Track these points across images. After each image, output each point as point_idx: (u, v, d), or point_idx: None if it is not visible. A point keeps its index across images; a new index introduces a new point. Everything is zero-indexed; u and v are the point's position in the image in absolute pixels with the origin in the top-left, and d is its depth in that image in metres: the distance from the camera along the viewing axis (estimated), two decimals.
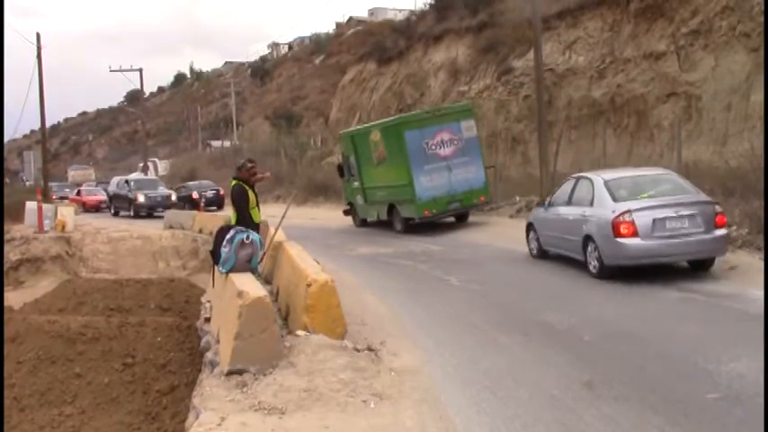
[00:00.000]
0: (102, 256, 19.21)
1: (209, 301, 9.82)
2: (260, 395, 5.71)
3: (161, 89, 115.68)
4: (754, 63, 17.23)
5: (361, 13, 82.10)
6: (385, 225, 19.54)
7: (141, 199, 29.71)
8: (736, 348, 6.30)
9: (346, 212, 22.18)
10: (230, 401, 5.66)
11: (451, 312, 8.99)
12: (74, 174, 64.16)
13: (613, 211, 10.00)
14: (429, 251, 14.86)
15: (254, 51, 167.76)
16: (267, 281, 10.19)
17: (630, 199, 10.19)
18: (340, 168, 22.34)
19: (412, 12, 49.09)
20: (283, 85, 78.15)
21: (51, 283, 16.85)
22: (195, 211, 23.72)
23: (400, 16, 58.03)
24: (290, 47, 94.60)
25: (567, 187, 12.05)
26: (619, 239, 9.79)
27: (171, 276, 16.82)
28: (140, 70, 44.57)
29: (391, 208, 19.22)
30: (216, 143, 69.18)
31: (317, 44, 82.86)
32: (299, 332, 7.14)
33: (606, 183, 10.71)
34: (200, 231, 18.98)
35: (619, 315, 8.04)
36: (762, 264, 9.64)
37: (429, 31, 35.46)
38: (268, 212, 12.36)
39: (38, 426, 8.48)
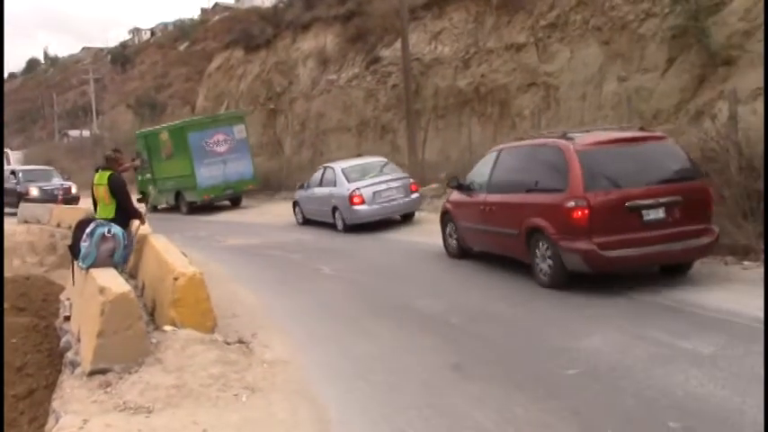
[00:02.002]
0: None
1: (68, 299, 9.34)
2: (125, 394, 5.48)
3: (12, 75, 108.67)
4: (606, 55, 18.22)
5: None
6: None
7: (35, 193, 25.47)
8: (588, 325, 6.65)
9: (140, 200, 24.94)
10: (93, 402, 5.40)
11: (324, 302, 8.99)
12: None
13: (348, 189, 14.94)
14: (301, 241, 14.80)
15: (113, 37, 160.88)
16: (132, 275, 9.81)
17: (359, 180, 15.18)
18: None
19: None
20: (146, 73, 75.27)
21: None
22: (52, 204, 22.46)
23: (267, 3, 57.18)
24: (153, 33, 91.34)
25: (318, 174, 16.89)
26: (353, 207, 14.86)
27: (27, 274, 15.85)
28: None
29: (178, 195, 24.04)
30: (74, 133, 65.90)
31: (182, 30, 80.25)
32: (167, 327, 6.92)
33: (343, 170, 15.76)
34: (59, 225, 18.00)
35: (484, 297, 8.29)
36: None
37: (297, 20, 35.13)
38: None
39: None
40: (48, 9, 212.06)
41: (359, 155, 18.97)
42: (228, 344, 6.74)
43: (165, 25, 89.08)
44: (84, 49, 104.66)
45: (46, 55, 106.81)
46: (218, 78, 41.85)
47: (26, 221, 20.45)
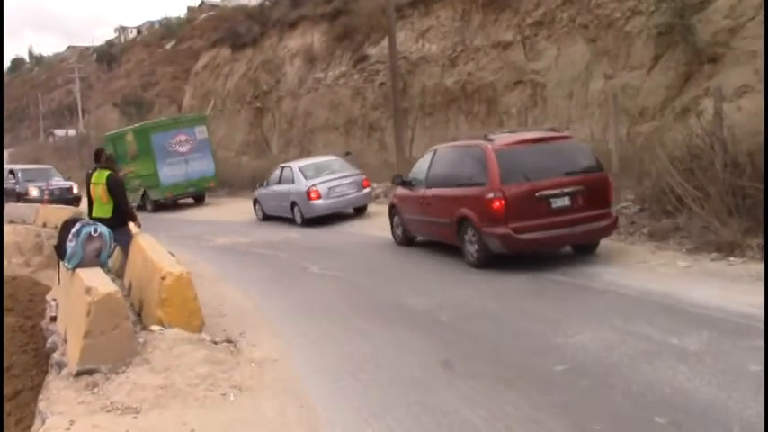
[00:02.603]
0: None
1: (54, 300, 9.25)
2: (112, 395, 5.44)
3: None
4: (593, 53, 18.29)
5: None
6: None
7: (35, 193, 24.30)
8: (580, 323, 6.67)
9: None
10: (80, 403, 5.36)
11: (312, 300, 8.97)
12: None
13: (306, 186, 16.45)
14: (289, 239, 14.77)
15: (99, 35, 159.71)
16: (119, 275, 9.76)
17: (315, 177, 16.69)
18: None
19: None
20: (132, 71, 74.92)
21: None
22: (38, 204, 22.28)
23: (254, 1, 57.00)
24: (139, 31, 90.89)
25: (277, 173, 18.38)
26: (311, 202, 16.34)
27: (13, 274, 15.73)
28: None
29: (144, 193, 24.71)
30: (60, 132, 65.47)
31: (168, 29, 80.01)
32: (154, 327, 6.88)
33: (300, 168, 17.38)
34: (45, 225, 17.91)
35: (474, 296, 8.31)
36: None
37: (284, 18, 35.10)
38: None
39: None
40: (33, 7, 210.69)
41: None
42: (216, 343, 6.71)
43: (152, 24, 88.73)
44: (69, 47, 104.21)
45: (31, 54, 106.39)
46: (204, 77, 41.74)
47: (12, 222, 20.29)
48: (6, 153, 56.78)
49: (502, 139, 9.85)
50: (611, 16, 17.76)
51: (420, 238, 11.96)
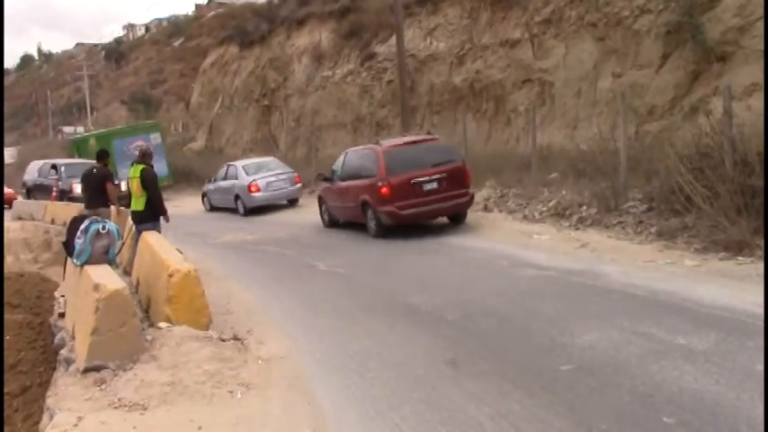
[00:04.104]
0: None
1: (63, 296, 9.29)
2: (120, 392, 5.46)
3: (6, 71, 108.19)
4: (601, 51, 18.22)
5: None
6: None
7: (79, 190, 22.48)
8: (586, 322, 6.65)
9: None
10: (88, 400, 5.38)
11: (319, 298, 8.98)
12: None
13: (248, 180, 20.00)
14: (296, 236, 14.79)
15: (108, 33, 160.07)
16: (126, 272, 9.80)
17: (256, 174, 20.21)
18: None
19: None
20: (141, 69, 75.16)
21: None
22: (47, 201, 22.25)
23: None
24: (147, 29, 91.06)
25: (223, 170, 21.81)
26: (252, 194, 19.85)
27: (21, 271, 15.78)
28: None
29: None
30: (68, 129, 65.57)
31: (176, 26, 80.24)
32: (162, 324, 6.90)
33: (243, 166, 20.92)
34: (53, 222, 17.97)
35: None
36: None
37: (291, 15, 35.05)
38: None
39: None
40: (41, 5, 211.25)
41: None
42: (223, 340, 6.72)
43: (160, 21, 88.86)
44: (78, 45, 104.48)
45: (40, 51, 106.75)
46: (212, 74, 41.78)
47: (20, 218, 20.37)
48: (13, 150, 56.91)
49: (388, 142, 13.85)
50: (620, 14, 17.68)
51: (341, 221, 15.05)
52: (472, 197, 13.23)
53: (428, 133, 15.60)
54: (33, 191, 25.10)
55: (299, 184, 20.82)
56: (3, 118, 24.50)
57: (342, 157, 15.21)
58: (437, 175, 12.69)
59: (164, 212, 10.34)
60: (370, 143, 14.80)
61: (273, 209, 20.12)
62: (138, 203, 10.02)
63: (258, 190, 19.82)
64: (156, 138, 27.89)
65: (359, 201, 13.46)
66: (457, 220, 13.45)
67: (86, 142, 29.30)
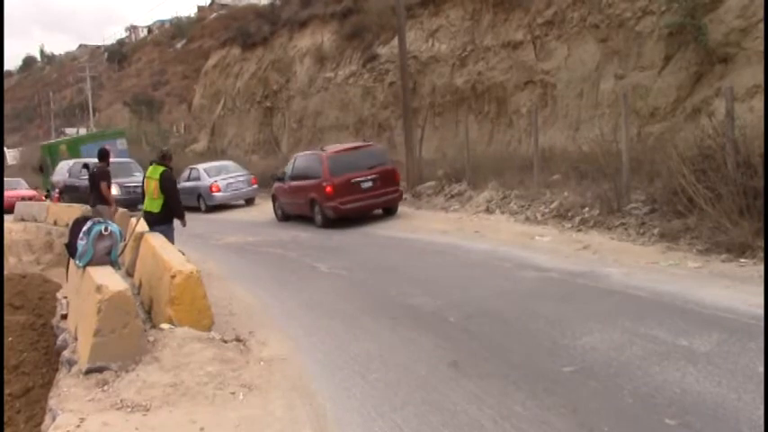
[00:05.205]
0: None
1: (65, 297, 9.30)
2: (122, 393, 5.47)
3: (8, 73, 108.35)
4: (603, 53, 18.21)
5: None
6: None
7: (115, 191, 19.80)
8: (588, 323, 6.64)
9: (46, 197, 27.54)
10: (90, 401, 5.39)
11: (321, 299, 8.98)
12: None
13: (209, 181, 22.78)
14: (298, 238, 14.79)
15: (110, 34, 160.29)
16: (129, 273, 9.80)
17: (216, 175, 23.04)
18: (41, 167, 32.88)
19: None
20: (143, 70, 75.26)
21: None
22: (49, 202, 22.37)
23: (264, 1, 57.03)
24: (150, 30, 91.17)
25: (186, 173, 23.98)
26: (213, 194, 22.63)
27: (23, 272, 15.79)
28: None
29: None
30: (71, 130, 65.63)
31: (179, 28, 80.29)
32: (164, 325, 6.91)
33: (205, 169, 23.59)
34: (55, 223, 17.97)
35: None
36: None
37: (294, 17, 35.07)
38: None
39: None
40: (44, 6, 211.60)
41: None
42: (225, 342, 6.73)
43: (162, 23, 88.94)
44: (80, 46, 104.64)
45: (42, 53, 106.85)
46: (214, 76, 41.82)
47: (22, 219, 20.37)
48: (15, 151, 56.94)
49: (332, 148, 16.37)
50: (622, 16, 17.67)
51: (293, 215, 17.31)
52: (401, 193, 16.25)
53: (364, 140, 20.06)
54: (66, 191, 23.66)
55: (255, 186, 23.40)
56: (2, 118, 24.46)
57: (291, 161, 17.95)
58: (372, 176, 15.23)
59: (181, 216, 9.99)
60: (316, 149, 17.38)
61: (232, 207, 23.00)
62: (154, 205, 9.68)
63: (218, 190, 22.65)
64: (122, 143, 30.22)
65: (307, 198, 15.96)
66: (389, 211, 16.05)
67: (57, 147, 31.92)
